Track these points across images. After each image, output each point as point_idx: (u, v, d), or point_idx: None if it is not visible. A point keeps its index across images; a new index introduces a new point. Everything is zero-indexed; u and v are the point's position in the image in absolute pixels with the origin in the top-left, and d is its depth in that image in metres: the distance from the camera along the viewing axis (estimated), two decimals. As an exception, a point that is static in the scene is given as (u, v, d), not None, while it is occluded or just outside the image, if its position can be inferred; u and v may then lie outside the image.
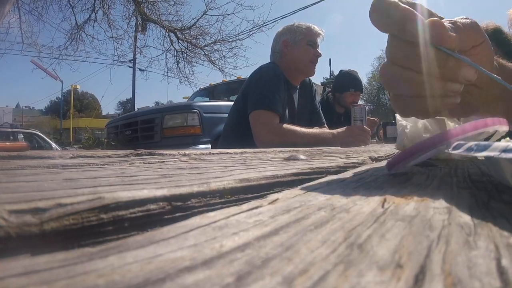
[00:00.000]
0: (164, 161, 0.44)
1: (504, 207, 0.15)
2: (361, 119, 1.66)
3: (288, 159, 0.39)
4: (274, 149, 0.93)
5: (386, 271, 0.09)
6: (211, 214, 0.13)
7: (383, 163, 0.40)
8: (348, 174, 0.26)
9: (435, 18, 0.31)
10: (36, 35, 7.30)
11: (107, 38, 7.88)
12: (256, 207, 0.14)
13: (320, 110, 2.08)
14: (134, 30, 8.01)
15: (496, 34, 1.96)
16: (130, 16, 7.73)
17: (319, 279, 0.08)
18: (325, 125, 2.04)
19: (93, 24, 7.63)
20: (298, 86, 1.92)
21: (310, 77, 2.04)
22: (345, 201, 0.14)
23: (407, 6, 0.31)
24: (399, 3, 0.32)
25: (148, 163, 0.42)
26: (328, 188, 0.18)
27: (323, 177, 0.25)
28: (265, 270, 0.08)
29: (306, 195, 0.16)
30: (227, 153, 0.75)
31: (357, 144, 1.45)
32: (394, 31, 0.32)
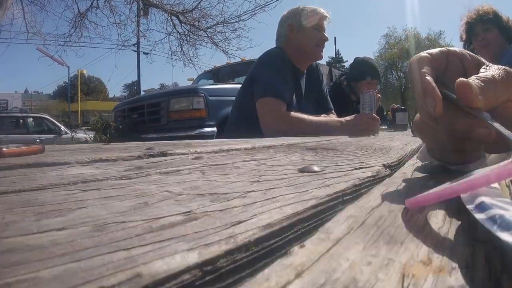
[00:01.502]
0: (179, 170, 0.45)
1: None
2: (370, 106, 1.61)
3: (302, 171, 0.40)
4: (283, 142, 0.93)
5: None
6: None
7: (398, 177, 0.41)
8: (366, 206, 0.27)
9: (463, 79, 0.32)
10: (40, 25, 7.34)
11: (110, 24, 7.83)
12: None
13: (328, 95, 2.01)
14: (136, 14, 7.92)
15: (497, 20, 1.92)
16: (132, 1, 7.62)
17: None
18: (333, 111, 1.98)
19: (95, 12, 7.56)
20: (305, 71, 1.90)
21: (316, 62, 2.00)
22: (368, 271, 0.14)
23: (428, 79, 0.35)
24: (423, 75, 0.35)
25: (165, 173, 0.43)
26: (350, 239, 0.19)
27: (340, 206, 0.26)
28: None
29: (329, 257, 0.16)
30: (237, 149, 0.75)
31: (366, 133, 1.41)
32: (417, 97, 0.36)
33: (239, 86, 4.78)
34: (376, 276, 0.14)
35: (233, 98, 4.55)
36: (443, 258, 0.16)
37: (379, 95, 2.55)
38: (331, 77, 8.64)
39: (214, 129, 4.33)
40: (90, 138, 5.90)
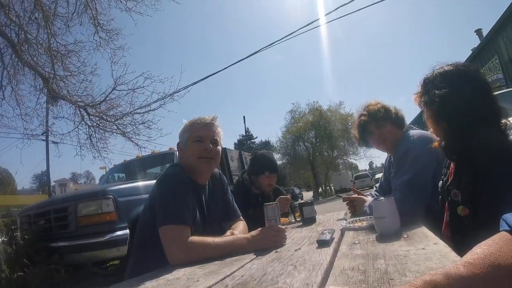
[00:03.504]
0: None
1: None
2: (275, 218, 1.63)
3: None
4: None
5: None
6: None
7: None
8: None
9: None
10: None
11: (16, 116, 7.47)
12: None
13: (234, 203, 1.99)
14: (44, 104, 7.74)
15: (388, 114, 1.96)
16: (39, 94, 7.52)
17: None
18: (240, 217, 1.96)
19: (0, 103, 7.23)
20: (207, 184, 1.81)
21: (219, 171, 1.94)
22: None
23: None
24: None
25: None
26: None
27: None
28: None
29: None
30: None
31: (273, 245, 1.39)
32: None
33: (150, 182, 4.77)
34: None
35: (144, 196, 4.46)
36: None
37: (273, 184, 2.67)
38: (241, 160, 9.07)
39: (127, 231, 4.21)
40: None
